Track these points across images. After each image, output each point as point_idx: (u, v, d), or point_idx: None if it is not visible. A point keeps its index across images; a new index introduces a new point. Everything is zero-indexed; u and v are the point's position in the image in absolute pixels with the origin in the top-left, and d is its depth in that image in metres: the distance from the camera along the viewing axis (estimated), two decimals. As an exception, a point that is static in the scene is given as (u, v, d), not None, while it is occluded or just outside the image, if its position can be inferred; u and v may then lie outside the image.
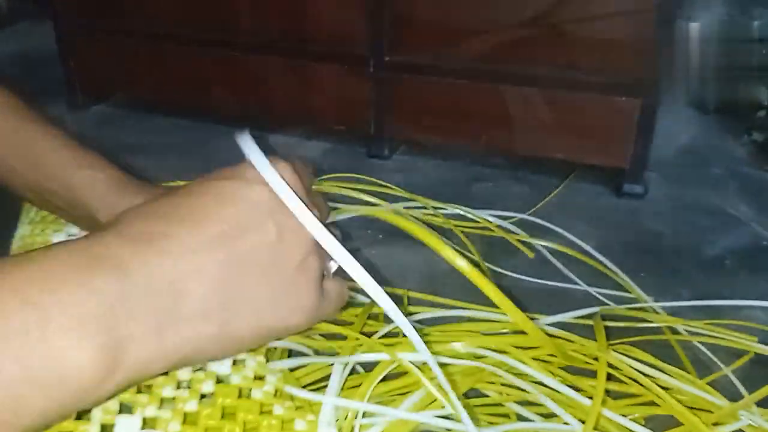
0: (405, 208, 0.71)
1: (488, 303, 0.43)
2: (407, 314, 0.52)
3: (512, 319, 0.43)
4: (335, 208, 0.67)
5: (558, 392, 0.43)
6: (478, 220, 0.70)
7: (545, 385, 0.44)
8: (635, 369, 0.45)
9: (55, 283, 0.27)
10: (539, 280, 0.62)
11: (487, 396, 0.45)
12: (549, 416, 0.43)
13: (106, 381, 0.28)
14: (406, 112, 0.85)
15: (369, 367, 0.43)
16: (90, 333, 0.27)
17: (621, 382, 0.45)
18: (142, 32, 0.95)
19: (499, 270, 0.63)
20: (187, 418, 0.34)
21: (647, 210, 0.76)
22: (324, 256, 0.36)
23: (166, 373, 0.36)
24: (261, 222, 0.33)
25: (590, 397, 0.42)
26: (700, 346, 0.52)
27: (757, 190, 0.80)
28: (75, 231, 0.51)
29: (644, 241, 0.70)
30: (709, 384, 0.47)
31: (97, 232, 0.31)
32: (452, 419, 0.39)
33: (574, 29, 0.75)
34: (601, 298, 0.59)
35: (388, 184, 0.74)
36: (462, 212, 0.71)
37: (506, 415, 0.44)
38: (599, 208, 0.77)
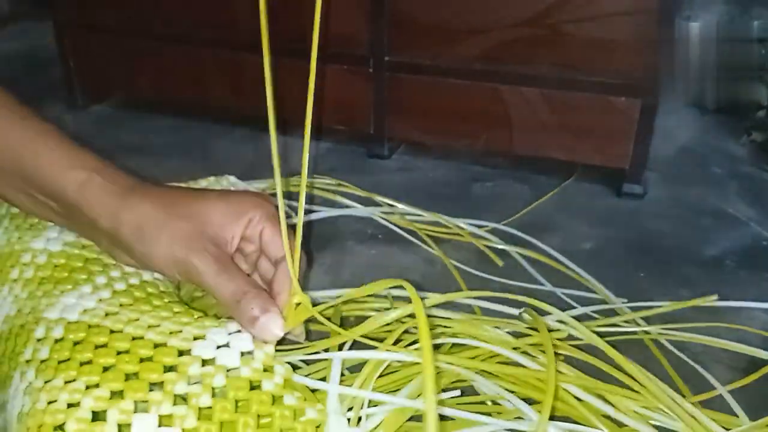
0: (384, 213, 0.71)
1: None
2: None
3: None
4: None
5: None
6: (461, 226, 0.70)
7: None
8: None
9: None
10: (523, 284, 0.62)
11: (478, 394, 0.45)
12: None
13: None
14: (406, 112, 0.85)
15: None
16: None
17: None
18: (142, 32, 0.95)
19: (482, 274, 0.63)
20: (201, 413, 0.35)
21: (647, 210, 0.76)
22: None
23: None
24: None
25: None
26: (686, 358, 0.52)
27: (757, 190, 0.80)
28: (54, 235, 0.47)
29: (644, 241, 0.70)
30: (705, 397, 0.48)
31: None
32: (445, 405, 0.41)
33: (574, 29, 0.75)
34: (567, 299, 0.59)
35: (372, 194, 0.74)
36: (440, 220, 0.71)
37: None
38: (599, 208, 0.77)
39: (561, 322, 0.48)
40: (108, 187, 0.42)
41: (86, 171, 0.42)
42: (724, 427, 0.43)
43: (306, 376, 0.41)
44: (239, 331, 0.39)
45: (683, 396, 0.48)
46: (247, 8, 0.88)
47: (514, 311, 0.52)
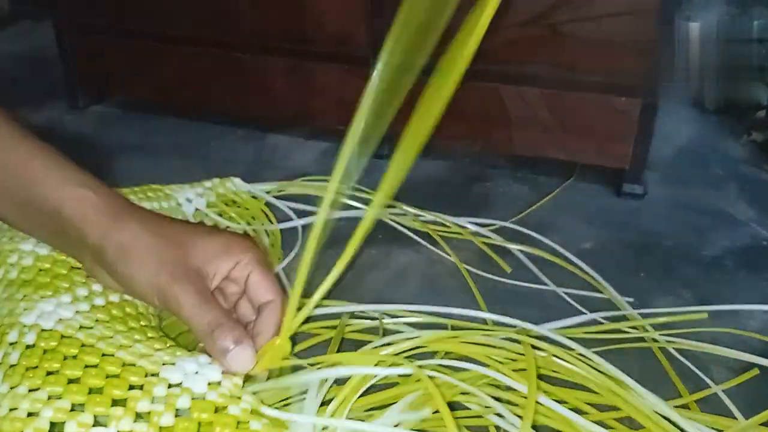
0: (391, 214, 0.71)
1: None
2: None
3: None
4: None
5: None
6: (463, 226, 0.70)
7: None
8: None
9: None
10: (525, 284, 0.62)
11: (469, 408, 0.44)
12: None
13: None
14: (406, 112, 0.85)
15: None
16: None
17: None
18: (142, 32, 0.95)
19: (483, 273, 0.63)
20: None
21: (647, 210, 0.76)
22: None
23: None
24: None
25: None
26: (684, 360, 0.52)
27: (757, 190, 0.80)
28: None
29: (644, 241, 0.70)
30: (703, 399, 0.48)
31: None
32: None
33: (574, 29, 0.75)
34: (573, 303, 0.59)
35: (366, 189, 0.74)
36: (441, 219, 0.70)
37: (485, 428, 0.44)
38: (599, 208, 0.77)
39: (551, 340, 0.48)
40: (101, 206, 0.42)
41: (83, 189, 0.43)
42: (716, 429, 0.43)
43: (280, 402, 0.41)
44: (210, 364, 0.39)
45: (680, 396, 0.48)
46: (247, 8, 0.88)
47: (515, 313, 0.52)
